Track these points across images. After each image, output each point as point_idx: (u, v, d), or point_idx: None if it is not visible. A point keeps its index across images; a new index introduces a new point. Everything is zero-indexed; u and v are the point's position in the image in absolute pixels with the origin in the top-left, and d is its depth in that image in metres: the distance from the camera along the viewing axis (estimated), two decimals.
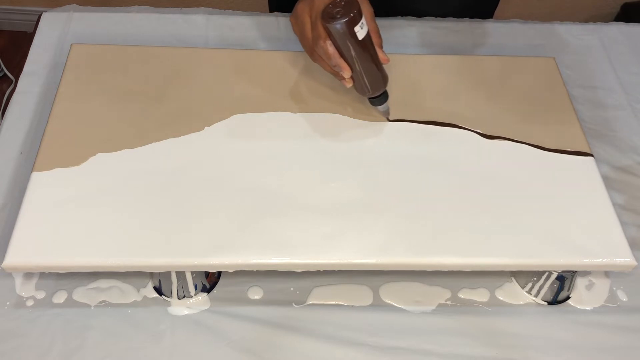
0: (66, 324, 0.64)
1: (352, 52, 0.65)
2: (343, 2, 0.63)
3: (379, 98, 0.72)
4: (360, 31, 0.63)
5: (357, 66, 0.67)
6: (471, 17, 0.98)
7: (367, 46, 0.66)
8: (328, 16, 0.63)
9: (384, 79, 0.70)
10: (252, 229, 0.64)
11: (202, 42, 0.91)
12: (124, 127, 0.71)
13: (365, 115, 0.75)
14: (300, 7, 0.70)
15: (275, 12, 0.97)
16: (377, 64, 0.68)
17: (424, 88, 0.79)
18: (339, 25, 0.62)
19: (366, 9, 0.69)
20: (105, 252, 0.61)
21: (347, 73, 0.68)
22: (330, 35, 0.65)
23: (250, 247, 0.63)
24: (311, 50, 0.70)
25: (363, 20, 0.63)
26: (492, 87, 0.80)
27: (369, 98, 0.72)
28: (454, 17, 0.98)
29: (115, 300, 0.67)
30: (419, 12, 0.97)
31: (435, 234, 0.65)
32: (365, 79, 0.69)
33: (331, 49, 0.66)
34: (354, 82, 0.70)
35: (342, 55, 0.67)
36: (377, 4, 0.72)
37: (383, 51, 0.69)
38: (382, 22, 0.95)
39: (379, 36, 0.69)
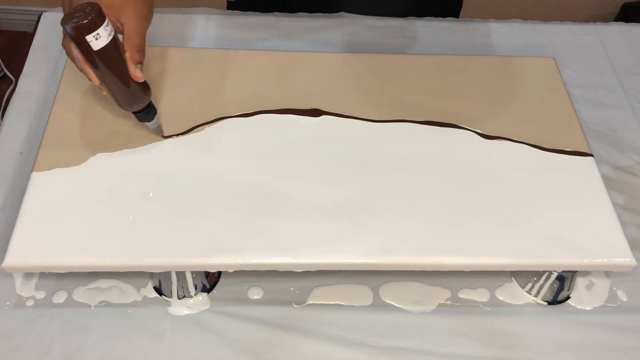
0: (66, 324, 0.64)
1: (91, 61, 0.61)
2: (88, 9, 0.59)
3: (141, 115, 0.67)
4: (95, 41, 0.59)
5: (101, 76, 0.63)
6: (435, 14, 0.98)
7: (108, 58, 0.61)
8: (66, 18, 0.59)
9: (138, 95, 0.66)
10: (252, 229, 0.64)
11: (202, 42, 0.91)
12: (124, 127, 0.71)
13: (365, 115, 0.75)
14: (64, 0, 0.65)
15: (275, 12, 0.97)
16: (126, 79, 0.63)
17: (424, 88, 0.79)
18: (69, 29, 0.59)
19: (132, 21, 0.63)
20: (105, 252, 0.61)
21: (94, 80, 0.63)
22: (69, 37, 0.60)
23: (250, 247, 0.63)
24: (62, 44, 0.64)
25: (102, 30, 0.59)
26: (492, 87, 0.80)
27: (132, 113, 0.68)
28: (415, 14, 0.97)
29: (115, 300, 0.67)
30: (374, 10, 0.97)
31: (435, 234, 0.65)
32: (112, 92, 0.65)
33: (75, 52, 0.61)
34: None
35: (87, 61, 0.62)
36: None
37: (138, 68, 0.63)
38: (382, 22, 0.96)
39: (139, 52, 0.63)
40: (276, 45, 0.92)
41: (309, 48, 0.92)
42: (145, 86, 0.66)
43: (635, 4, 1.77)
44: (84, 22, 0.58)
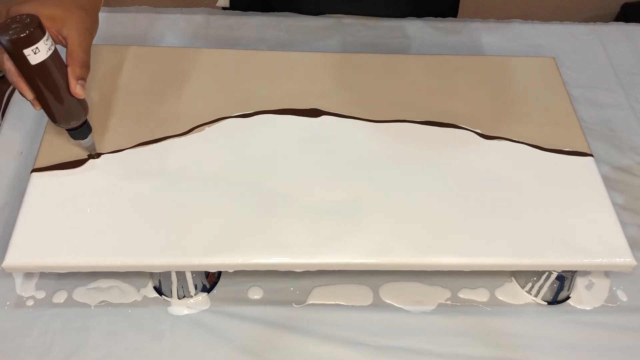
0: (66, 324, 0.64)
1: (26, 76, 0.58)
2: (27, 20, 0.55)
3: (75, 132, 0.64)
4: (34, 55, 0.56)
5: (36, 91, 0.60)
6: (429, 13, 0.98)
7: (46, 74, 0.58)
8: (2, 29, 0.55)
9: (75, 112, 0.63)
10: (252, 229, 0.64)
11: (202, 42, 0.91)
12: (123, 127, 0.71)
13: (365, 115, 0.75)
14: None
15: (276, 12, 0.97)
16: (63, 95, 0.60)
17: (424, 88, 0.79)
18: (4, 42, 0.55)
19: (75, 34, 0.60)
20: (105, 252, 0.61)
21: (28, 95, 0.60)
22: (4, 50, 0.57)
23: (250, 247, 0.63)
24: None
25: (42, 44, 0.56)
26: (492, 87, 0.80)
27: (66, 130, 0.65)
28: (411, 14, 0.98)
29: (115, 300, 0.67)
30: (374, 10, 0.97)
31: (435, 234, 0.65)
32: (47, 108, 0.61)
33: (8, 64, 0.58)
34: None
35: (22, 74, 0.58)
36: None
37: (80, 84, 0.60)
38: (383, 22, 0.96)
39: (82, 67, 0.60)
40: (276, 45, 0.92)
41: (309, 48, 0.92)
42: (83, 103, 0.63)
43: (635, 4, 1.77)
44: (22, 35, 0.55)
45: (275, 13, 0.96)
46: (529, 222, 0.66)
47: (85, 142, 0.66)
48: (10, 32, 0.55)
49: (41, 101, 0.61)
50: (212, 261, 0.62)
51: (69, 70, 0.60)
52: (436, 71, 0.81)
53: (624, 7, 1.79)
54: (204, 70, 0.78)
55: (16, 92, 0.82)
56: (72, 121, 0.63)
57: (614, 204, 0.69)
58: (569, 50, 0.95)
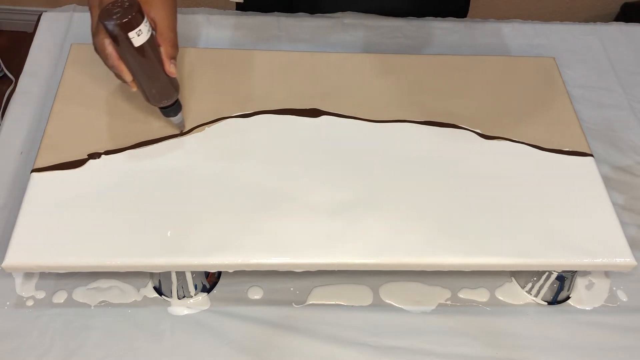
0: (66, 324, 0.64)
1: (129, 58, 0.61)
2: (126, 4, 0.59)
3: (168, 110, 0.68)
4: (137, 38, 0.59)
5: (135, 73, 0.63)
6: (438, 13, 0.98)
7: (146, 54, 0.61)
8: (105, 14, 0.58)
9: (169, 91, 0.66)
10: (252, 229, 0.64)
11: (202, 42, 0.91)
12: (123, 127, 0.71)
13: (365, 115, 0.75)
14: None
15: (276, 12, 0.97)
16: (159, 75, 0.64)
17: (424, 88, 0.79)
18: (111, 26, 0.58)
19: (163, 15, 0.63)
20: (105, 252, 0.61)
21: (127, 77, 0.63)
22: (107, 34, 0.60)
23: (250, 247, 0.63)
24: (93, 41, 0.64)
25: (143, 26, 0.59)
26: (492, 87, 0.80)
27: (159, 108, 0.68)
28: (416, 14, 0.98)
29: (115, 300, 0.67)
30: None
31: (435, 234, 0.65)
32: (144, 87, 0.64)
33: (109, 48, 0.61)
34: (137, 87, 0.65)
35: (122, 57, 0.62)
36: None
37: (173, 63, 0.64)
38: (383, 22, 0.96)
39: (173, 47, 0.64)
40: (276, 45, 0.92)
41: (309, 48, 0.92)
42: (174, 82, 0.66)
43: (635, 4, 1.77)
44: (128, 18, 0.58)
45: (275, 13, 0.96)
46: (528, 222, 0.66)
47: (176, 119, 0.70)
48: (114, 16, 0.58)
49: (137, 82, 0.64)
50: (212, 261, 0.62)
51: (162, 50, 0.63)
52: (436, 71, 0.81)
53: (624, 7, 1.79)
54: (204, 70, 0.78)
55: (16, 92, 0.82)
56: (165, 100, 0.67)
57: (614, 204, 0.69)
58: (569, 50, 0.95)
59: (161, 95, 0.66)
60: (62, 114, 0.72)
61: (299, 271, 0.67)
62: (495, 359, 0.65)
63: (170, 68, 0.64)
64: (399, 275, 0.70)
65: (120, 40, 0.59)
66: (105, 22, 0.58)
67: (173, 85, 0.66)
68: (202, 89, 0.76)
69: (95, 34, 0.62)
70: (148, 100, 0.66)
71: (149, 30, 0.60)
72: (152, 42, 0.61)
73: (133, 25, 0.59)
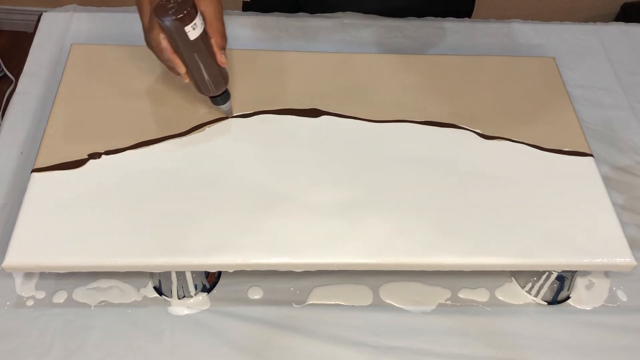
0: (66, 324, 0.64)
1: (184, 51, 0.64)
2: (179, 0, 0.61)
3: (217, 98, 0.70)
4: (193, 31, 0.62)
5: (189, 65, 0.65)
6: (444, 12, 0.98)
7: (200, 47, 0.64)
8: (161, 10, 0.61)
9: (220, 80, 0.68)
10: (252, 229, 0.64)
11: None
12: (123, 127, 0.71)
13: (365, 115, 0.75)
14: None
15: (276, 12, 0.97)
16: (212, 66, 0.66)
17: (424, 88, 0.79)
18: (168, 22, 0.61)
19: (211, 8, 0.65)
20: (105, 252, 0.61)
21: (181, 69, 0.65)
22: (162, 29, 0.63)
23: (250, 247, 0.63)
24: (146, 37, 0.66)
25: (197, 20, 0.62)
26: (492, 87, 0.80)
27: (209, 97, 0.71)
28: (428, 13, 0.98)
29: (115, 300, 0.67)
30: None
31: (435, 234, 0.65)
32: (196, 79, 0.67)
33: (164, 43, 0.63)
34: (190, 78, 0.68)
35: (176, 51, 0.64)
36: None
37: (223, 53, 0.66)
38: (383, 22, 0.96)
39: (223, 38, 0.66)
40: (276, 45, 0.92)
41: (309, 48, 0.92)
42: (224, 71, 0.68)
43: (635, 4, 1.77)
44: (184, 13, 0.60)
45: (275, 13, 0.96)
46: (528, 222, 0.66)
47: (225, 106, 0.72)
48: (170, 12, 0.60)
49: (190, 74, 0.66)
50: (212, 261, 0.62)
51: (213, 41, 0.65)
52: (436, 71, 0.81)
53: (624, 7, 1.79)
54: None
55: (16, 92, 0.83)
56: (217, 89, 0.69)
57: (614, 204, 0.69)
58: (569, 50, 0.95)
59: (213, 84, 0.68)
60: (62, 114, 0.72)
61: (299, 271, 0.67)
62: (495, 359, 0.65)
63: (221, 58, 0.66)
64: (399, 275, 0.70)
65: (177, 35, 0.61)
66: (162, 18, 0.60)
67: (223, 75, 0.68)
68: None
69: (149, 30, 0.64)
70: (200, 90, 0.68)
71: (202, 24, 0.63)
72: (204, 34, 0.63)
73: (189, 19, 0.61)
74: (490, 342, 0.66)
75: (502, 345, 0.66)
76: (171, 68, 0.66)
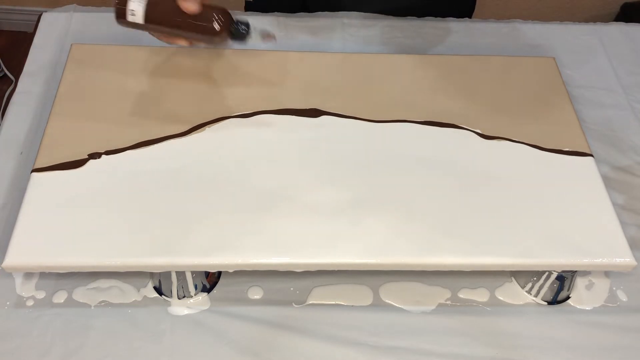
0: (66, 324, 0.64)
1: (153, 30, 0.65)
2: None
3: (238, 38, 0.68)
4: (136, 15, 0.64)
5: (172, 35, 0.66)
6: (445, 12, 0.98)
7: (158, 17, 0.65)
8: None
9: (212, 27, 0.66)
10: (252, 229, 0.64)
11: None
12: (123, 127, 0.71)
13: (365, 115, 0.75)
14: None
15: (276, 12, 0.97)
16: (189, 23, 0.65)
17: (424, 88, 0.79)
18: (117, 22, 0.64)
19: None
20: (106, 252, 0.61)
21: (184, 43, 0.68)
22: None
23: (250, 247, 0.63)
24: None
25: (132, 4, 0.64)
26: (492, 87, 0.80)
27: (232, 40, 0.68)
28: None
29: (115, 300, 0.67)
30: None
31: (435, 234, 0.65)
32: (194, 39, 0.67)
33: (149, 33, 0.67)
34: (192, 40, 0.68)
35: (155, 30, 0.67)
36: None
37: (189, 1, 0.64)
38: (383, 22, 0.96)
39: None
40: (276, 45, 0.92)
41: (309, 48, 0.92)
42: (208, 14, 0.65)
43: (635, 4, 1.77)
44: (116, 7, 0.64)
45: (275, 13, 0.96)
46: (528, 222, 0.66)
47: (254, 37, 0.68)
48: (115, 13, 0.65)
49: (189, 37, 0.67)
50: (212, 261, 0.62)
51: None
52: (436, 71, 0.81)
53: (624, 7, 1.79)
54: (204, 70, 0.78)
55: (16, 92, 0.83)
56: (221, 36, 0.66)
57: (614, 204, 0.69)
58: (569, 50, 0.95)
59: (212, 36, 0.66)
60: (62, 114, 0.72)
61: (299, 271, 0.67)
62: (495, 359, 0.65)
63: (185, 5, 0.63)
64: (399, 275, 0.70)
65: (132, 25, 0.64)
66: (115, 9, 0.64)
67: (213, 19, 0.65)
68: (202, 89, 0.76)
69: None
70: (212, 42, 0.67)
71: (140, 2, 0.64)
72: (152, 4, 0.64)
73: (122, 12, 0.64)
74: (490, 342, 0.66)
75: (502, 345, 0.66)
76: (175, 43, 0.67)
